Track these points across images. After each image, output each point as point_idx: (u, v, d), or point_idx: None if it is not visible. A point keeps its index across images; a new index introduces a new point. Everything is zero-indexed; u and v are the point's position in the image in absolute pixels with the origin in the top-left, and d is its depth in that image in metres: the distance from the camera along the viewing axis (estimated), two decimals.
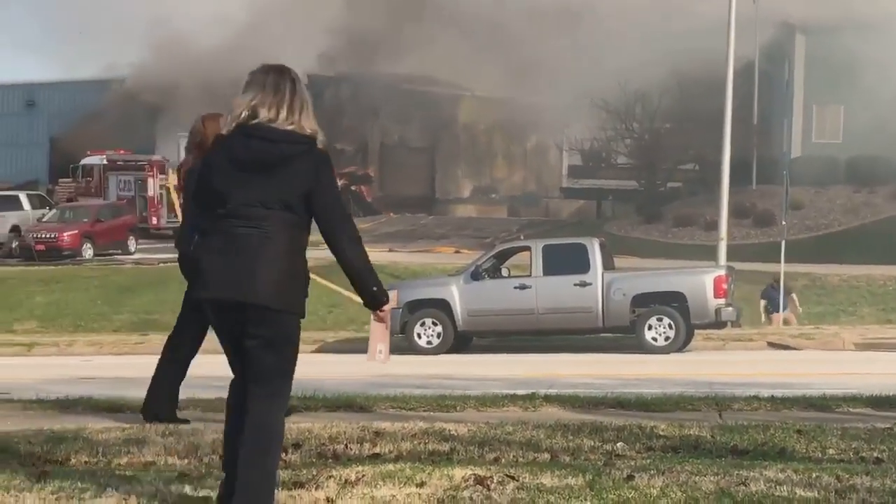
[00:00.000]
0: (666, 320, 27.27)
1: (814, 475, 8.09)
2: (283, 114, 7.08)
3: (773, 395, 14.30)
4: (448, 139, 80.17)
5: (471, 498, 7.35)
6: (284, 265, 6.88)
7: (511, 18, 66.61)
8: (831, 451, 9.91)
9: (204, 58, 71.94)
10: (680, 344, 27.32)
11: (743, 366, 23.71)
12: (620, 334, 28.41)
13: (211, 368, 23.24)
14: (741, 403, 13.67)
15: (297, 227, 6.95)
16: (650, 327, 27.31)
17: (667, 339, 27.21)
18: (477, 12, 68.17)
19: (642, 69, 55.39)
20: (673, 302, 27.46)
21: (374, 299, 7.08)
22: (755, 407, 13.55)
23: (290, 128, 7.07)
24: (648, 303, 27.55)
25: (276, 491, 6.96)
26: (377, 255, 45.98)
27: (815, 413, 13.02)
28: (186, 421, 12.28)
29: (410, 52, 71.88)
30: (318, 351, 29.62)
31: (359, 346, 30.67)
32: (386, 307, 7.12)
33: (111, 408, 14.31)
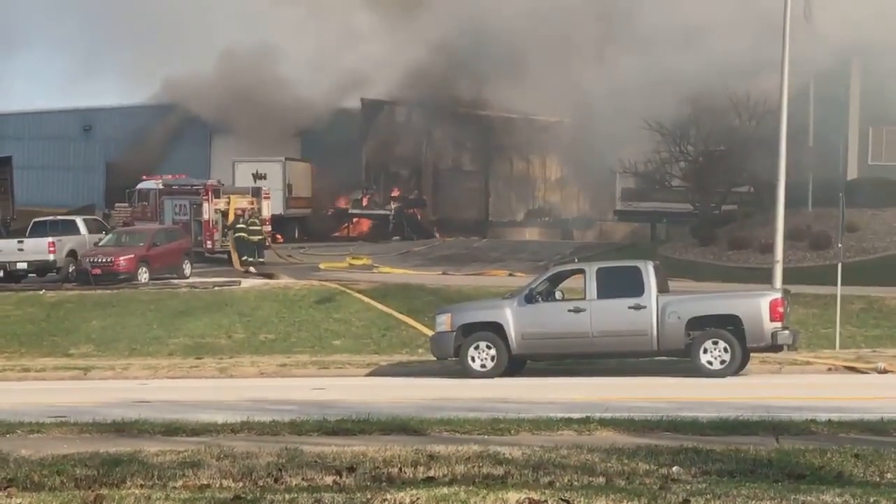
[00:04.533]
0: (721, 343, 27.10)
1: (871, 499, 8.01)
2: None
3: (830, 419, 14.18)
4: (501, 163, 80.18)
5: None
6: None
7: (563, 41, 66.57)
8: (889, 476, 9.81)
9: (260, 84, 72.32)
10: (736, 367, 27.13)
11: (800, 389, 23.55)
12: (675, 358, 28.25)
13: (264, 393, 23.29)
14: (798, 427, 13.57)
15: None
16: (705, 350, 27.14)
17: (722, 362, 27.04)
18: (530, 36, 68.17)
19: (696, 92, 55.23)
20: (728, 325, 27.28)
21: None
22: (812, 431, 13.45)
23: None
24: (704, 326, 27.39)
25: None
26: (431, 277, 46.00)
27: (873, 437, 12.90)
28: None
29: (464, 76, 71.98)
30: (372, 374, 29.65)
31: (412, 369, 30.70)
32: None
33: (167, 431, 14.37)
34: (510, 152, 79.47)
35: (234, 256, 53.14)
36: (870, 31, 51.65)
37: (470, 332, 28.41)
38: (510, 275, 47.15)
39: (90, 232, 51.49)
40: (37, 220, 52.87)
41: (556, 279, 29.63)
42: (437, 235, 71.11)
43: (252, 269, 50.75)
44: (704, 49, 53.74)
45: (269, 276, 47.44)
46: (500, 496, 8.07)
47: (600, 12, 64.52)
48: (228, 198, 56.26)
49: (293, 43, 74.69)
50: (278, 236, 63.53)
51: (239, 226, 53.27)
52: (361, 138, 78.02)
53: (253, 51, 74.53)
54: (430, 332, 31.70)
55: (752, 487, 8.71)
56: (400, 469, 10.37)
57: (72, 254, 49.02)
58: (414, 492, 8.40)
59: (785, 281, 32.64)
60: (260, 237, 54.07)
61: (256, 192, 58.29)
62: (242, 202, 56.11)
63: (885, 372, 27.62)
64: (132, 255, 46.89)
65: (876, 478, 9.72)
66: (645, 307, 27.54)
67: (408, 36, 74.51)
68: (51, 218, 53.71)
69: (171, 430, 14.37)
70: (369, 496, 8.20)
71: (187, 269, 49.08)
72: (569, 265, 32.47)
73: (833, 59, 53.78)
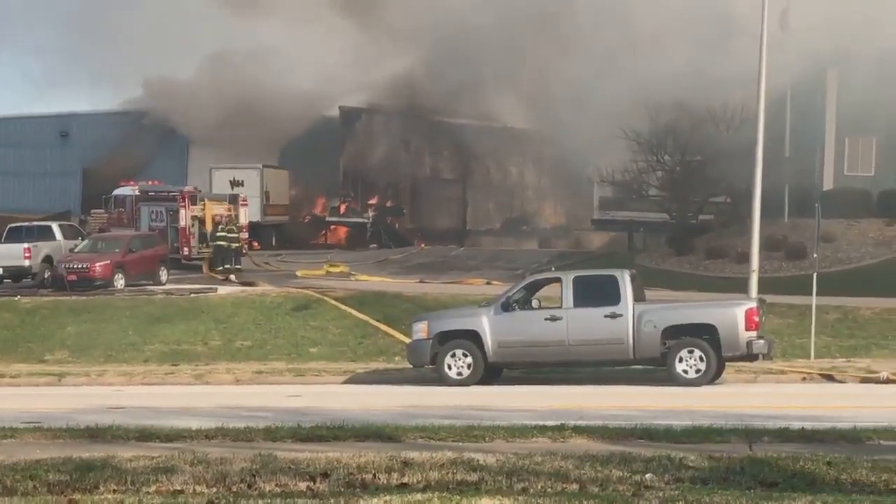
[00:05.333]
0: (697, 352, 27.15)
1: None
2: None
3: (803, 427, 14.22)
4: (479, 171, 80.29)
5: None
6: None
7: (542, 50, 66.70)
8: (861, 483, 9.84)
9: (240, 92, 72.24)
10: (711, 376, 27.18)
11: (774, 398, 23.61)
12: (651, 366, 28.30)
13: (240, 400, 23.26)
14: (771, 435, 13.61)
15: None
16: (681, 359, 27.19)
17: (697, 371, 27.09)
18: (509, 45, 68.29)
19: (674, 101, 55.35)
20: (704, 334, 27.33)
21: None
22: (785, 439, 13.48)
23: None
24: (679, 335, 27.43)
25: None
26: (408, 285, 45.99)
27: (846, 444, 12.95)
28: None
29: (442, 84, 72.01)
30: (348, 382, 29.63)
31: (389, 377, 30.70)
32: None
33: (140, 436, 14.34)
34: (488, 161, 79.59)
35: (205, 264, 52.99)
36: (845, 41, 51.85)
37: (446, 339, 28.42)
38: (487, 283, 47.16)
39: (66, 238, 51.30)
40: (12, 225, 52.65)
41: (533, 287, 29.66)
42: (416, 243, 71.14)
43: (232, 276, 50.61)
44: (681, 59, 53.88)
45: (250, 284, 47.32)
46: (473, 502, 8.07)
47: (578, 21, 64.65)
48: (205, 204, 56.16)
49: (272, 51, 74.69)
50: (255, 243, 63.41)
51: (219, 234, 53.10)
52: (339, 146, 78.04)
53: (233, 58, 74.49)
54: (406, 340, 31.70)
55: (724, 495, 8.74)
56: (374, 475, 10.37)
57: (47, 260, 48.85)
58: (388, 498, 8.41)
59: (761, 291, 32.73)
60: (237, 244, 53.91)
61: (233, 199, 58.22)
62: (219, 209, 56.00)
63: (888, 382, 27.57)
64: (108, 262, 46.72)
65: (848, 485, 9.76)
66: (621, 316, 27.58)
67: (386, 45, 74.57)
68: (26, 223, 53.52)
69: (145, 435, 14.34)
70: (343, 502, 8.20)
71: (163, 275, 48.95)
72: (546, 274, 32.47)
73: (809, 69, 53.97)
